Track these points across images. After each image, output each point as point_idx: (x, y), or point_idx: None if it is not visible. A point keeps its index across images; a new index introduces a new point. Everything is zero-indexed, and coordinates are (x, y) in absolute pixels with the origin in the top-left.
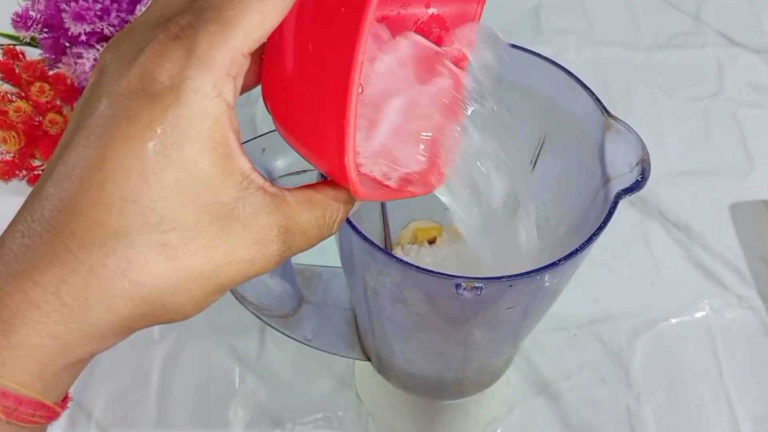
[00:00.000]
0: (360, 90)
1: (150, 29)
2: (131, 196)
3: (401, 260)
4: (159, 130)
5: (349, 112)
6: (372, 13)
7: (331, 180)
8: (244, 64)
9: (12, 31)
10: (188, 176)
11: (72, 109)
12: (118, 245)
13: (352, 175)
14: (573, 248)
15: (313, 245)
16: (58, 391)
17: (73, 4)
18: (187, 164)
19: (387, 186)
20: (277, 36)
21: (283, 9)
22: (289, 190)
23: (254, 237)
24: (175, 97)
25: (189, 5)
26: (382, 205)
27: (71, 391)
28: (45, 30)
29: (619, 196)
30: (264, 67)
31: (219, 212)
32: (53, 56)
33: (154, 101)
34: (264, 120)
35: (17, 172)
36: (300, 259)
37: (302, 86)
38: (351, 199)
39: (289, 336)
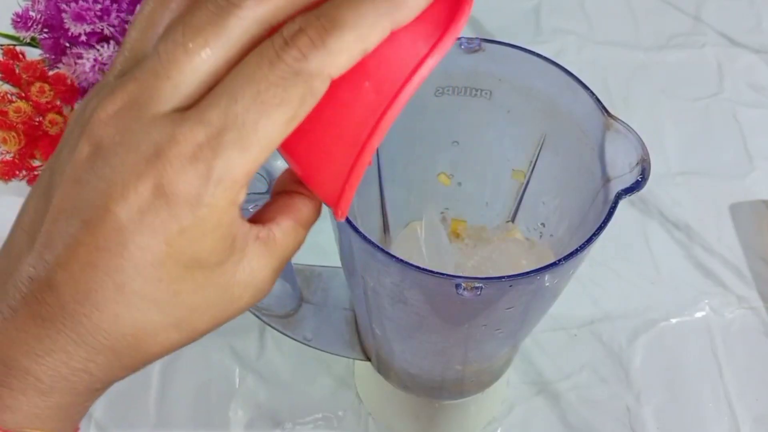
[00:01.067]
0: None
1: (167, 121)
2: (150, 297)
3: (401, 260)
4: (176, 246)
5: (358, 167)
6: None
7: (304, 190)
8: None
9: (12, 31)
10: (203, 277)
11: (72, 109)
12: (139, 336)
13: (345, 216)
14: (573, 248)
15: None
16: (80, 421)
17: (73, 4)
18: (202, 268)
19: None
20: None
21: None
22: (276, 221)
23: (253, 291)
24: (191, 215)
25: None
26: (382, 204)
27: None
28: (45, 30)
29: (619, 196)
30: None
31: (226, 287)
32: (53, 56)
33: (170, 219)
34: None
35: (17, 172)
36: (300, 259)
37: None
38: (320, 206)
39: (289, 336)
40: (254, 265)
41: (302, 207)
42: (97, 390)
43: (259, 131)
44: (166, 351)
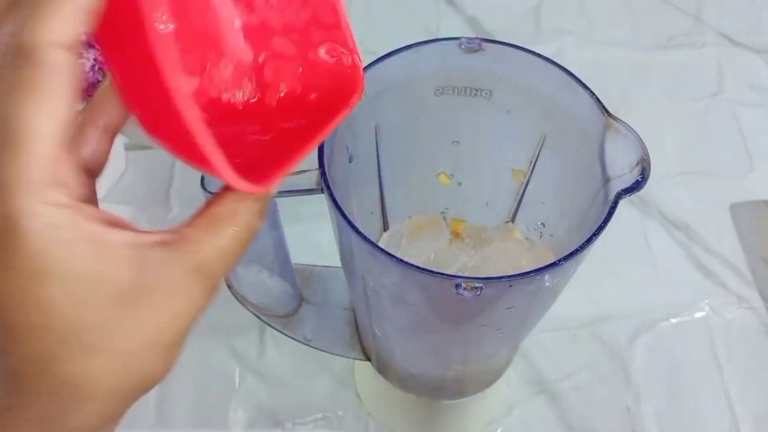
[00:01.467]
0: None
1: None
2: (40, 326)
3: (401, 260)
4: (26, 277)
5: (195, 125)
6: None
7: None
8: (62, 161)
9: None
10: (78, 288)
11: None
12: (51, 368)
13: (240, 184)
14: (573, 248)
15: (238, 259)
16: None
17: None
18: (71, 282)
19: (283, 161)
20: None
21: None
22: (189, 222)
23: (176, 299)
24: (8, 235)
25: None
26: (382, 204)
27: None
28: None
29: (619, 196)
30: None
31: (129, 300)
32: None
33: None
34: None
35: None
36: (300, 259)
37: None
38: (258, 196)
39: (289, 336)
40: (158, 271)
41: (221, 198)
42: None
43: (21, 126)
44: (104, 384)
